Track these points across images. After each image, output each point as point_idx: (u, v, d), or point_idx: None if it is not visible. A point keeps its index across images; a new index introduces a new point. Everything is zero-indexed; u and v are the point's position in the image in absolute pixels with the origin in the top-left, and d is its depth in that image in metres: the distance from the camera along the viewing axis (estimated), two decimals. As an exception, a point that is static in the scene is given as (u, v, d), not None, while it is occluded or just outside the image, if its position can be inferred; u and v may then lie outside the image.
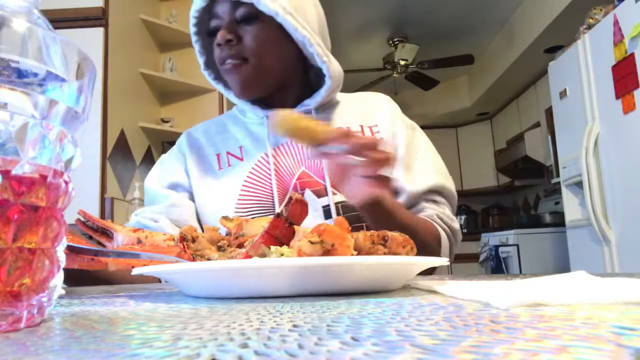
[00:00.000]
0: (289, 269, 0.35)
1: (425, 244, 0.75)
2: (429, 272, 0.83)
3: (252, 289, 0.37)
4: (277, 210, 0.79)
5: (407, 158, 0.85)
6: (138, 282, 0.72)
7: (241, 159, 0.88)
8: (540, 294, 0.28)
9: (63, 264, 0.27)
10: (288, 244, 0.43)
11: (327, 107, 0.91)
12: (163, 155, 0.96)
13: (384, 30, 4.36)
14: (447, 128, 5.88)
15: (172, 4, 3.14)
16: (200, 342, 0.18)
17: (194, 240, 0.50)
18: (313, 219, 0.76)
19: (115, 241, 0.56)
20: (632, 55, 2.16)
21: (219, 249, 0.51)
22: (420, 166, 0.86)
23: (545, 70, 3.17)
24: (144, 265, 0.45)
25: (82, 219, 0.58)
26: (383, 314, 0.25)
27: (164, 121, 2.93)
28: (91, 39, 2.35)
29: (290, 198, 0.46)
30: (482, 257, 4.35)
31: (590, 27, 2.59)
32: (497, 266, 3.97)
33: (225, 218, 0.59)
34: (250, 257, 0.42)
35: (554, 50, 3.65)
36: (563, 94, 2.82)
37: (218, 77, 0.91)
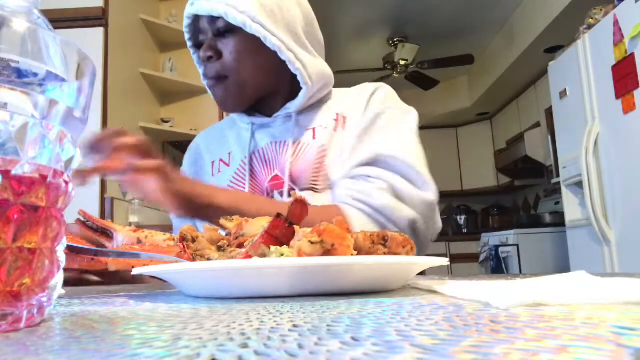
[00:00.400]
0: (289, 269, 0.35)
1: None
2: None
3: (252, 289, 0.37)
4: None
5: (360, 137, 0.81)
6: (139, 282, 0.72)
7: (228, 165, 0.90)
8: (540, 294, 0.28)
9: (63, 264, 0.27)
10: (288, 244, 0.43)
11: (315, 106, 0.89)
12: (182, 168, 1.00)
13: (384, 30, 4.36)
14: (447, 128, 5.88)
15: (172, 4, 3.14)
16: (200, 342, 0.18)
17: (194, 240, 0.50)
18: None
19: (115, 241, 0.56)
20: (632, 55, 2.16)
21: (219, 249, 0.51)
22: (368, 143, 0.80)
23: (545, 70, 3.17)
24: (144, 265, 0.45)
25: (82, 219, 0.58)
26: (383, 314, 0.25)
27: (164, 121, 2.93)
28: (91, 39, 2.35)
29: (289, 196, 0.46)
30: (482, 257, 4.35)
31: (590, 27, 2.59)
32: (497, 266, 3.97)
33: (225, 218, 0.59)
34: (250, 257, 0.42)
35: (554, 50, 3.65)
36: (563, 94, 2.82)
37: None
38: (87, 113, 0.28)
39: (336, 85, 0.94)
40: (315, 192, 0.81)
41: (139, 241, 0.54)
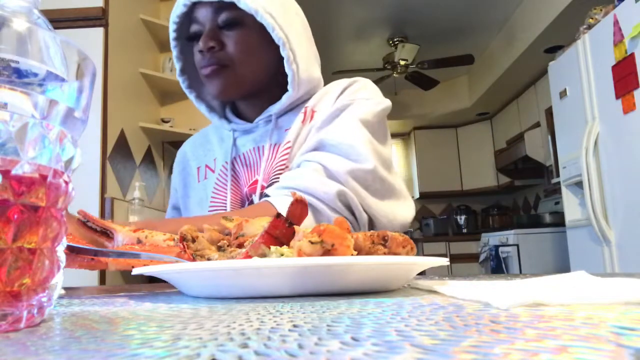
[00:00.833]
0: (289, 269, 0.35)
1: None
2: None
3: (252, 289, 0.37)
4: None
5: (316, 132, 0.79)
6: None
7: (213, 171, 0.90)
8: (540, 294, 0.28)
9: (63, 264, 0.27)
10: (288, 244, 0.43)
11: (296, 107, 0.87)
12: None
13: (384, 30, 4.36)
14: (447, 128, 5.88)
15: (172, 4, 3.12)
16: (200, 342, 0.18)
17: (194, 240, 0.50)
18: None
19: (116, 241, 0.56)
20: (632, 55, 2.16)
21: (219, 249, 0.51)
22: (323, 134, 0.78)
23: (545, 70, 3.17)
24: (144, 265, 0.45)
25: (82, 219, 0.58)
26: (383, 314, 0.25)
27: (164, 121, 2.93)
28: (91, 39, 2.35)
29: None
30: (482, 257, 4.35)
31: (590, 27, 2.59)
32: (497, 266, 3.97)
33: (225, 218, 0.59)
34: (250, 257, 0.42)
35: (554, 50, 3.65)
36: (563, 94, 2.82)
37: (192, 86, 0.90)
38: (87, 113, 0.28)
39: None
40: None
41: (139, 241, 0.54)
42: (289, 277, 0.35)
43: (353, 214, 0.73)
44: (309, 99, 0.88)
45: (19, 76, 0.24)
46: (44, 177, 0.24)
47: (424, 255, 2.82)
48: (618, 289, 0.30)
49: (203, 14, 0.80)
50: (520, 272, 3.69)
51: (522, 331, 0.19)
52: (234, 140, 0.89)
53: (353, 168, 0.72)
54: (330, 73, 4.10)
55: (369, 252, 0.43)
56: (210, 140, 0.96)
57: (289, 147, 0.82)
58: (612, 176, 2.38)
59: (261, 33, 0.80)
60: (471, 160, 5.74)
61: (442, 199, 5.98)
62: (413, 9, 3.97)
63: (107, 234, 0.57)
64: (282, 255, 0.40)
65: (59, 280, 0.27)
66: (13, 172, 0.23)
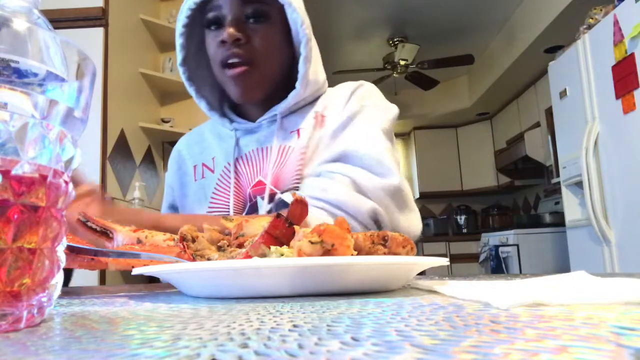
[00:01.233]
0: (289, 269, 0.35)
1: None
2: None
3: (252, 289, 0.37)
4: None
5: (332, 136, 0.79)
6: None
7: (212, 171, 0.88)
8: (540, 294, 0.28)
9: (63, 264, 0.27)
10: (288, 244, 0.43)
11: (301, 108, 0.87)
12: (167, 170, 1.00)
13: (384, 30, 4.36)
14: (447, 128, 5.88)
15: (172, 4, 3.14)
16: (200, 342, 0.18)
17: (194, 240, 0.50)
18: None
19: (115, 241, 0.56)
20: (632, 55, 2.16)
21: (219, 249, 0.51)
22: (339, 142, 0.78)
23: (545, 70, 3.17)
24: (144, 265, 0.45)
25: (82, 219, 0.58)
26: (383, 314, 0.25)
27: (164, 121, 2.93)
28: (91, 39, 2.35)
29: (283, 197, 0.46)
30: (482, 257, 4.35)
31: (590, 27, 2.59)
32: (497, 266, 3.97)
33: (225, 218, 0.59)
34: (250, 257, 0.42)
35: (554, 50, 3.65)
36: (563, 94, 2.82)
37: (191, 78, 0.86)
38: (87, 113, 0.28)
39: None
40: (296, 190, 0.79)
41: (139, 241, 0.54)
42: (289, 277, 0.35)
43: (381, 229, 0.73)
44: (313, 101, 0.87)
45: (19, 76, 0.24)
46: (44, 177, 0.24)
47: (424, 255, 2.82)
48: (618, 289, 0.30)
49: (227, 1, 0.77)
50: (520, 272, 3.69)
51: (522, 331, 0.19)
52: (237, 140, 0.87)
53: (383, 185, 0.72)
54: (331, 73, 4.10)
55: (369, 252, 0.43)
56: (206, 139, 0.94)
57: (304, 153, 0.80)
58: (612, 176, 2.38)
59: (283, 29, 0.80)
60: (471, 160, 5.74)
61: (442, 199, 5.98)
62: (413, 9, 3.97)
63: (107, 234, 0.57)
64: (282, 255, 0.40)
65: (59, 280, 0.27)
66: (13, 172, 0.23)
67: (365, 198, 0.71)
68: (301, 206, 0.46)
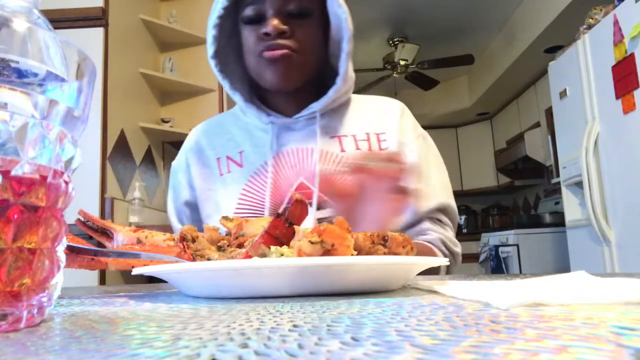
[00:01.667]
0: (289, 269, 0.35)
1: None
2: (435, 271, 0.81)
3: (252, 289, 0.37)
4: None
5: (417, 171, 0.83)
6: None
7: (240, 165, 0.84)
8: (540, 294, 0.28)
9: (63, 264, 0.27)
10: (288, 244, 0.43)
11: (335, 109, 0.87)
12: (173, 164, 0.94)
13: (384, 30, 4.36)
14: (447, 128, 5.88)
15: (172, 4, 3.14)
16: (200, 342, 0.18)
17: (194, 240, 0.50)
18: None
19: (115, 241, 0.56)
20: (632, 55, 2.16)
21: (219, 249, 0.51)
22: (429, 182, 0.83)
23: (545, 70, 3.17)
24: (144, 265, 0.45)
25: (82, 219, 0.58)
26: (383, 314, 0.25)
27: (164, 121, 2.93)
28: (91, 39, 2.35)
29: (291, 198, 0.46)
30: (482, 257, 4.35)
31: (590, 27, 2.59)
32: (497, 266, 3.97)
33: (225, 218, 0.59)
34: (250, 257, 0.42)
35: (554, 50, 3.65)
36: (563, 94, 2.82)
37: (224, 70, 0.84)
38: (87, 113, 0.28)
39: None
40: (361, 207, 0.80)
41: (139, 241, 0.54)
42: (289, 277, 0.35)
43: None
44: (345, 102, 0.89)
45: (19, 76, 0.24)
46: (44, 177, 0.24)
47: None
48: (618, 289, 0.30)
49: (271, 1, 0.77)
50: (520, 272, 3.69)
51: (522, 331, 0.19)
52: (275, 135, 0.84)
53: (456, 253, 0.87)
54: (330, 73, 4.09)
55: (369, 252, 0.43)
56: (230, 131, 0.89)
57: (359, 168, 0.81)
58: (612, 176, 2.38)
59: (322, 26, 0.81)
60: (471, 160, 5.74)
61: (442, 199, 5.96)
62: (413, 9, 3.97)
63: (107, 234, 0.57)
64: (282, 255, 0.40)
65: (59, 280, 0.27)
66: (13, 172, 0.23)
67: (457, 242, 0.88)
68: (301, 206, 0.46)
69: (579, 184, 2.66)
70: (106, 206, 2.25)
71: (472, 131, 5.78)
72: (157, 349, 0.17)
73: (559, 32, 3.41)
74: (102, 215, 2.23)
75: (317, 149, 0.81)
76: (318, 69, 0.84)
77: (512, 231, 3.87)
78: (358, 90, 1.04)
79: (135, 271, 0.41)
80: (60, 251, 0.27)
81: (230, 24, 0.83)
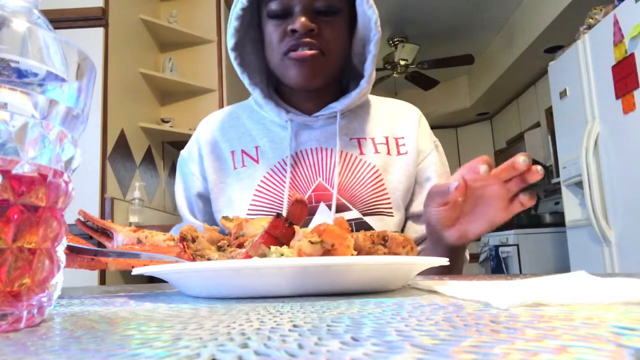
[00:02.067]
0: (289, 269, 0.35)
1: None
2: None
3: (252, 289, 0.37)
4: None
5: (438, 180, 0.83)
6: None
7: (256, 161, 0.82)
8: (540, 294, 0.28)
9: (63, 264, 0.27)
10: (288, 244, 0.43)
11: (355, 110, 0.86)
12: (182, 154, 0.90)
13: (384, 30, 4.36)
14: (447, 128, 5.89)
15: (172, 4, 3.14)
16: (200, 342, 0.18)
17: (194, 240, 0.50)
18: None
19: (115, 241, 0.56)
20: (632, 55, 2.16)
21: (219, 249, 0.51)
22: None
23: (545, 70, 3.18)
24: (144, 265, 0.45)
25: (82, 219, 0.58)
26: (383, 314, 0.25)
27: (164, 121, 2.93)
28: (91, 39, 2.35)
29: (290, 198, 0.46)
30: (482, 257, 4.35)
31: (590, 27, 2.59)
32: (497, 266, 3.97)
33: (225, 218, 0.59)
34: (250, 257, 0.42)
35: (554, 50, 3.65)
36: (563, 94, 2.82)
37: (243, 64, 0.82)
38: (87, 113, 0.28)
39: None
40: (384, 215, 0.79)
41: (139, 241, 0.54)
42: (289, 277, 0.35)
43: None
44: (366, 101, 0.88)
45: (19, 76, 0.24)
46: (44, 177, 0.24)
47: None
48: (618, 289, 0.30)
49: None
50: (520, 272, 3.69)
51: (522, 331, 0.19)
52: (294, 133, 0.82)
53: (466, 259, 0.84)
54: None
55: (369, 252, 0.43)
56: (244, 124, 0.87)
57: (377, 172, 0.80)
58: (612, 176, 2.38)
59: (348, 25, 0.80)
60: (471, 160, 5.73)
61: (442, 199, 5.97)
62: (413, 9, 3.97)
63: (107, 234, 0.57)
64: (282, 255, 0.40)
65: (59, 280, 0.27)
66: (13, 172, 0.23)
67: None
68: (301, 206, 0.46)
69: (579, 184, 2.67)
70: (106, 206, 2.25)
71: (472, 131, 5.78)
72: (157, 349, 0.17)
73: (559, 32, 3.42)
74: (102, 215, 2.23)
75: (337, 149, 0.80)
76: (342, 68, 0.83)
77: (512, 231, 3.87)
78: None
79: (135, 271, 0.41)
80: (60, 251, 0.27)
81: (249, 14, 0.81)
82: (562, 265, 3.47)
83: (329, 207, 0.77)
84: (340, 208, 0.77)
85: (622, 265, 2.34)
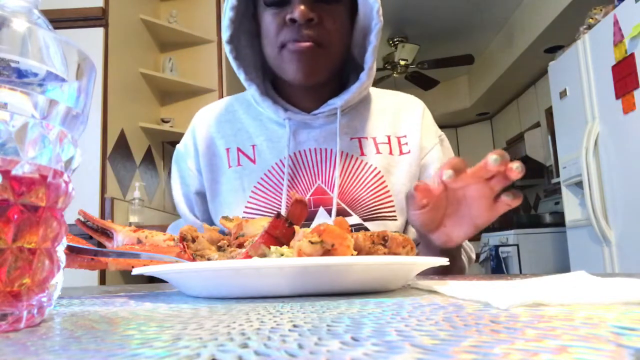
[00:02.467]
0: (289, 269, 0.35)
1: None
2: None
3: (252, 289, 0.37)
4: None
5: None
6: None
7: (253, 161, 0.79)
8: (540, 294, 0.28)
9: (63, 264, 0.27)
10: (288, 244, 0.43)
11: (355, 107, 0.83)
12: (178, 148, 0.87)
13: (384, 30, 4.36)
14: (447, 128, 5.88)
15: (172, 4, 3.14)
16: (200, 342, 0.18)
17: (194, 240, 0.50)
18: None
19: (115, 241, 0.56)
20: (632, 55, 2.16)
21: (219, 249, 0.51)
22: None
23: (545, 70, 3.18)
24: (144, 265, 0.45)
25: (82, 219, 0.58)
26: (383, 314, 0.25)
27: (164, 121, 2.93)
28: (91, 39, 2.35)
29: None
30: (482, 257, 4.35)
31: (590, 27, 2.59)
32: (497, 266, 3.97)
33: (225, 218, 0.59)
34: (250, 257, 0.42)
35: (554, 50, 3.65)
36: (563, 94, 2.82)
37: (238, 58, 0.78)
38: (87, 113, 0.28)
39: None
40: (387, 220, 0.77)
41: (139, 241, 0.54)
42: (289, 277, 0.35)
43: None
44: (367, 95, 0.85)
45: (19, 76, 0.24)
46: (44, 177, 0.24)
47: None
48: (618, 289, 0.30)
49: None
50: (520, 272, 3.69)
51: (522, 331, 0.19)
52: (292, 132, 0.79)
53: (472, 259, 0.84)
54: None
55: (369, 252, 0.43)
56: (240, 119, 0.83)
57: (378, 174, 0.78)
58: (612, 176, 2.38)
59: (350, 14, 0.76)
60: (471, 160, 5.71)
61: (442, 199, 5.97)
62: (413, 9, 3.97)
63: (107, 234, 0.57)
64: (282, 255, 0.40)
65: (59, 280, 0.27)
66: (13, 172, 0.23)
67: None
68: (301, 206, 0.46)
69: (579, 184, 2.67)
70: (106, 206, 2.25)
71: (472, 131, 5.78)
72: (157, 349, 0.17)
73: (559, 32, 3.42)
74: (102, 215, 2.23)
75: (338, 151, 0.77)
76: (342, 61, 0.79)
77: (512, 231, 3.87)
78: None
79: (135, 271, 0.41)
80: (60, 251, 0.27)
81: (243, 4, 0.78)
82: (562, 265, 3.47)
83: (329, 212, 0.74)
84: (340, 213, 0.75)
85: (622, 265, 2.34)
